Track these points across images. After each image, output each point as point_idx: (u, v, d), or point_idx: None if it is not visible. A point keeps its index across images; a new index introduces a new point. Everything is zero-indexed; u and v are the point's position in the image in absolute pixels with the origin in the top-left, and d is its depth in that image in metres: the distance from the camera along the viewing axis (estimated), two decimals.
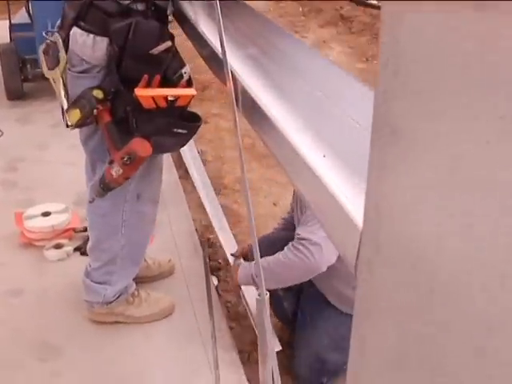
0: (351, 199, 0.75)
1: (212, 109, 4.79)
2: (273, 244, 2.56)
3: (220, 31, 1.07)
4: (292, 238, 2.45)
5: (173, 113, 1.90)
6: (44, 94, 4.45)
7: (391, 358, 0.59)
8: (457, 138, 0.45)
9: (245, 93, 1.13)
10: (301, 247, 2.01)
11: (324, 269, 2.00)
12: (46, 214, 2.97)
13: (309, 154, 0.86)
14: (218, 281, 2.88)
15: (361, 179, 0.79)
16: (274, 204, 3.64)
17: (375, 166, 0.56)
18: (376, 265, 0.59)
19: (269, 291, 2.57)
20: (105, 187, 1.92)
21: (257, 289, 2.32)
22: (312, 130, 0.94)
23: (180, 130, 1.92)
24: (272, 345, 1.45)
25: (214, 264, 3.05)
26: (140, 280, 2.48)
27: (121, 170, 1.85)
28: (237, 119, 1.10)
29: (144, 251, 2.37)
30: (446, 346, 0.50)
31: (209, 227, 3.37)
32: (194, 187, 3.65)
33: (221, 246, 3.03)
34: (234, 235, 3.33)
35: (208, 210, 3.28)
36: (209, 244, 3.24)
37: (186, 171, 3.84)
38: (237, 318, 2.75)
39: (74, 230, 2.98)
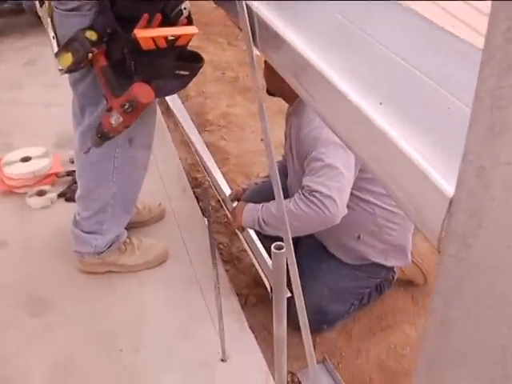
0: (427, 156, 0.59)
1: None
2: (269, 190, 2.40)
3: None
4: (285, 186, 2.31)
5: (173, 53, 1.68)
6: (15, 30, 4.14)
7: (482, 348, 0.52)
8: None
9: (265, 27, 0.93)
10: (314, 199, 1.86)
11: (338, 221, 1.87)
12: (25, 160, 2.75)
13: (363, 102, 0.69)
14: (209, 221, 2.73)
15: (432, 132, 0.63)
16: (262, 139, 3.45)
17: (484, 121, 0.44)
18: (474, 239, 0.49)
19: (262, 243, 2.46)
20: (103, 136, 1.72)
21: (258, 233, 2.19)
22: (355, 70, 0.77)
23: (182, 72, 1.71)
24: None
25: (204, 205, 2.89)
26: (130, 226, 2.32)
27: (121, 119, 1.65)
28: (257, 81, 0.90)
29: (136, 198, 2.19)
30: None
31: (196, 166, 3.20)
32: (176, 124, 3.44)
33: (210, 186, 2.87)
34: (223, 173, 3.16)
35: (194, 150, 3.07)
36: (196, 184, 3.08)
37: (168, 107, 3.61)
38: (231, 260, 2.63)
39: (57, 174, 2.78)
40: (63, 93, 3.42)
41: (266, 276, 2.04)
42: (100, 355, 1.93)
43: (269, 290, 2.02)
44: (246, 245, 2.23)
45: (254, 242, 2.17)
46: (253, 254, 2.16)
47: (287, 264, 1.15)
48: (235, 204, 2.20)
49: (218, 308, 1.75)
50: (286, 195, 2.26)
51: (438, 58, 0.79)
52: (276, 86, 2.02)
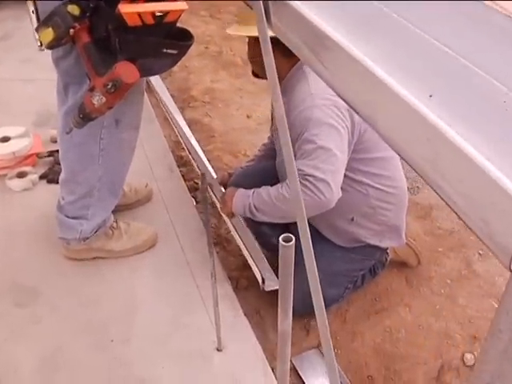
0: (493, 158, 0.49)
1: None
2: (255, 174, 2.32)
3: None
4: (274, 168, 2.20)
5: (161, 31, 1.55)
6: None
7: None
8: None
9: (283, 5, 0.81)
10: (308, 184, 1.76)
11: (333, 205, 1.77)
12: (4, 140, 2.59)
13: (411, 94, 0.58)
14: (196, 202, 2.62)
15: (491, 129, 0.53)
16: (248, 116, 3.34)
17: None
18: None
19: (254, 229, 2.35)
20: (85, 117, 1.59)
21: (247, 220, 2.09)
22: (396, 59, 0.66)
23: (170, 51, 1.58)
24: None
25: (190, 184, 2.78)
26: (116, 209, 2.18)
27: (103, 99, 1.52)
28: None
29: (123, 181, 2.06)
30: None
31: (180, 143, 3.07)
32: (158, 101, 3.29)
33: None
34: (209, 151, 3.05)
35: (177, 132, 2.93)
36: (182, 163, 2.95)
37: (148, 84, 3.46)
38: (219, 241, 2.52)
39: (38, 155, 2.63)
40: (41, 68, 3.27)
41: (257, 267, 1.95)
42: (90, 347, 1.83)
43: (260, 282, 1.93)
44: (234, 232, 2.12)
45: (243, 229, 2.08)
46: (243, 243, 2.06)
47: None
48: (222, 189, 2.08)
49: (214, 298, 1.65)
50: (275, 178, 2.16)
51: (491, 47, 0.69)
52: (262, 66, 1.90)
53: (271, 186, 2.23)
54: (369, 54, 0.69)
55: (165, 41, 1.59)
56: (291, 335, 2.20)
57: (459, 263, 2.46)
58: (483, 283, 2.38)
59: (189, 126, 3.24)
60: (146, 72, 1.63)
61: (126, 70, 1.52)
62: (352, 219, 2.05)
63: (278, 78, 2.04)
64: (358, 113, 0.72)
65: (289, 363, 1.43)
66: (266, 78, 1.99)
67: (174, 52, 1.63)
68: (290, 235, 1.09)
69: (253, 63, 1.98)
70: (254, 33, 1.74)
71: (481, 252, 2.52)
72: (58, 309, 1.95)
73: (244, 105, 3.44)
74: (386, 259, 2.33)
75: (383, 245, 2.16)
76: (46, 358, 1.80)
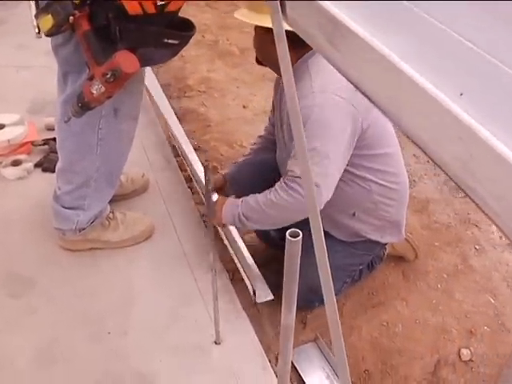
0: None
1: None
2: (253, 170, 2.27)
3: None
4: (273, 161, 2.18)
5: (162, 20, 1.51)
6: None
7: None
8: None
9: None
10: (296, 186, 1.73)
11: (321, 207, 1.72)
12: None
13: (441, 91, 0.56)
14: (192, 193, 2.58)
15: None
16: (244, 106, 3.29)
17: None
18: None
19: None
20: (83, 106, 1.55)
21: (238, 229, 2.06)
22: (429, 58, 0.63)
23: (171, 41, 1.54)
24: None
25: (187, 174, 2.74)
26: (113, 199, 2.14)
27: (102, 88, 1.48)
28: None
29: (121, 171, 2.02)
30: None
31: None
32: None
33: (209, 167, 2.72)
34: (205, 141, 3.01)
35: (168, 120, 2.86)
36: (177, 153, 2.91)
37: None
38: (214, 232, 2.49)
39: (32, 143, 2.58)
40: (36, 55, 3.22)
41: (248, 278, 1.92)
42: (86, 338, 1.79)
43: (251, 294, 1.91)
44: (226, 242, 2.08)
45: (235, 239, 2.06)
46: (234, 253, 2.03)
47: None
48: (215, 196, 2.00)
49: (213, 293, 1.63)
50: (274, 171, 2.13)
51: None
52: (268, 55, 1.86)
53: (270, 180, 2.20)
54: (394, 49, 0.66)
55: (166, 30, 1.55)
56: None
57: (456, 258, 2.45)
58: (479, 278, 2.37)
59: (184, 115, 3.21)
60: (146, 62, 1.60)
61: (125, 60, 1.48)
62: (353, 214, 2.02)
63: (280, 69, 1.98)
64: (379, 108, 0.69)
65: (291, 357, 1.41)
66: (271, 66, 1.94)
67: (176, 42, 1.59)
68: (297, 230, 1.07)
69: (258, 51, 1.91)
70: (265, 22, 1.68)
71: (477, 247, 2.51)
72: (54, 300, 1.91)
73: (240, 95, 3.39)
74: (384, 254, 2.31)
75: (384, 240, 2.14)
76: (42, 349, 1.76)
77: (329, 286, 0.99)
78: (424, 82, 0.61)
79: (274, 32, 0.85)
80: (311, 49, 1.79)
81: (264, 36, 1.77)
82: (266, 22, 1.67)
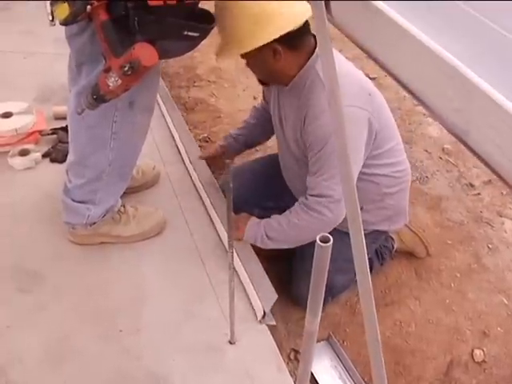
0: None
1: None
2: (255, 170, 2.29)
3: None
4: (273, 162, 2.16)
5: (183, 11, 1.43)
6: None
7: None
8: None
9: None
10: (317, 206, 1.76)
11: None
12: (6, 115, 2.46)
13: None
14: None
15: None
16: (254, 98, 3.22)
17: None
18: None
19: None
20: (98, 99, 1.48)
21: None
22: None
23: (191, 33, 1.46)
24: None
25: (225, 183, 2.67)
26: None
27: (119, 81, 1.40)
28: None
29: (134, 165, 1.95)
30: None
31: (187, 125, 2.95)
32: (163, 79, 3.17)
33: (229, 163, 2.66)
34: (215, 133, 2.94)
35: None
36: None
37: None
38: None
39: (41, 132, 2.50)
40: (43, 41, 3.13)
41: (259, 299, 1.85)
42: (98, 336, 1.73)
43: (258, 319, 1.85)
44: (236, 257, 2.00)
45: (249, 256, 2.01)
46: (246, 272, 1.96)
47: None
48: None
49: (230, 293, 1.57)
50: (276, 171, 2.13)
51: None
52: (267, 72, 1.80)
53: (272, 180, 2.16)
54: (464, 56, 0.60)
55: (187, 22, 1.48)
56: (300, 326, 2.14)
57: (468, 256, 2.40)
58: (493, 278, 2.32)
59: (193, 106, 3.14)
60: (165, 54, 1.52)
61: (145, 52, 1.41)
62: (361, 208, 1.98)
63: (288, 76, 1.91)
64: (444, 123, 0.63)
65: (312, 363, 1.36)
66: (275, 81, 1.87)
67: (196, 35, 1.51)
68: (328, 235, 1.01)
69: (256, 73, 1.87)
70: (243, 49, 1.64)
71: (490, 246, 2.46)
72: (64, 295, 1.85)
73: (250, 85, 3.32)
74: (393, 246, 2.27)
75: (392, 229, 2.14)
76: (52, 347, 1.70)
77: (366, 289, 0.93)
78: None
79: (316, 31, 0.79)
80: (312, 51, 1.72)
81: (253, 59, 1.73)
82: (243, 49, 1.64)
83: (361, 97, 1.71)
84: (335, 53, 1.81)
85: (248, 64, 1.79)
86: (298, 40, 1.69)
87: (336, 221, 1.77)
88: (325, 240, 1.04)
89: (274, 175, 2.15)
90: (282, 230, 1.85)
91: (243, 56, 1.73)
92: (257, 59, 1.72)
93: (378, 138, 1.80)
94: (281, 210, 2.15)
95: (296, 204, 1.83)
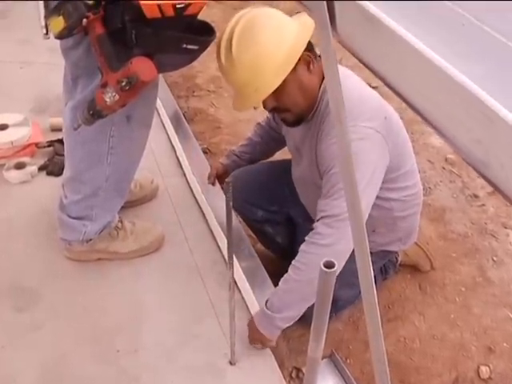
0: None
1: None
2: (259, 172, 2.20)
3: None
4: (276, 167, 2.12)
5: (181, 24, 1.40)
6: None
7: None
8: None
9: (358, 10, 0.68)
10: (322, 230, 1.62)
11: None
12: (2, 128, 2.42)
13: None
14: None
15: None
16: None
17: None
18: None
19: (257, 229, 2.22)
20: (95, 114, 1.44)
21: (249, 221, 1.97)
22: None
23: (190, 46, 1.43)
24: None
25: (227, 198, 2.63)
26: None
27: (116, 96, 1.37)
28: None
29: (131, 181, 1.91)
30: None
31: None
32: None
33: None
34: (215, 144, 2.91)
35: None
36: None
37: None
38: None
39: (37, 145, 2.47)
40: (39, 51, 3.10)
41: None
42: (95, 356, 1.69)
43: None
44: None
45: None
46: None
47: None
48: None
49: (231, 313, 1.53)
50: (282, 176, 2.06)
51: None
52: (296, 111, 1.70)
53: (278, 185, 2.11)
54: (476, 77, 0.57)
55: (185, 35, 1.44)
56: (302, 343, 2.10)
57: (473, 270, 2.36)
58: (498, 291, 2.28)
59: (193, 116, 3.10)
60: (163, 68, 1.49)
61: (143, 67, 1.38)
62: (373, 231, 1.94)
63: (311, 98, 1.78)
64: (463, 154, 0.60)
65: None
66: (295, 112, 1.75)
67: (195, 47, 1.48)
68: (333, 261, 0.97)
69: (284, 117, 1.75)
70: (265, 94, 1.56)
71: (495, 258, 2.42)
72: (60, 314, 1.81)
73: None
74: (397, 259, 2.23)
75: (402, 248, 2.11)
76: (48, 367, 1.66)
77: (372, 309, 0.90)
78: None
79: (322, 50, 0.75)
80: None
81: (286, 82, 1.57)
82: (264, 95, 1.57)
83: (377, 119, 1.63)
84: (351, 75, 1.76)
85: (277, 98, 1.63)
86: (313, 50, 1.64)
87: (343, 244, 1.58)
88: (329, 265, 1.00)
89: (280, 180, 2.10)
90: (283, 292, 1.68)
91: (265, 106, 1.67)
92: (289, 82, 1.58)
93: (392, 159, 1.72)
94: (284, 215, 2.09)
95: (293, 261, 1.68)
